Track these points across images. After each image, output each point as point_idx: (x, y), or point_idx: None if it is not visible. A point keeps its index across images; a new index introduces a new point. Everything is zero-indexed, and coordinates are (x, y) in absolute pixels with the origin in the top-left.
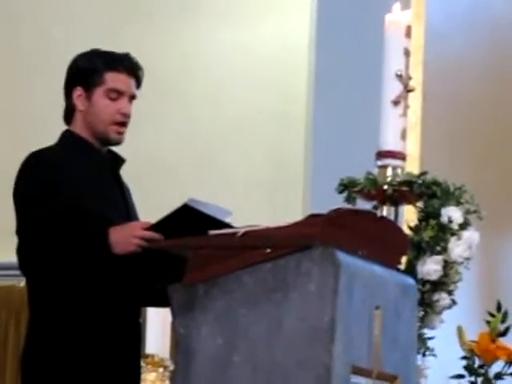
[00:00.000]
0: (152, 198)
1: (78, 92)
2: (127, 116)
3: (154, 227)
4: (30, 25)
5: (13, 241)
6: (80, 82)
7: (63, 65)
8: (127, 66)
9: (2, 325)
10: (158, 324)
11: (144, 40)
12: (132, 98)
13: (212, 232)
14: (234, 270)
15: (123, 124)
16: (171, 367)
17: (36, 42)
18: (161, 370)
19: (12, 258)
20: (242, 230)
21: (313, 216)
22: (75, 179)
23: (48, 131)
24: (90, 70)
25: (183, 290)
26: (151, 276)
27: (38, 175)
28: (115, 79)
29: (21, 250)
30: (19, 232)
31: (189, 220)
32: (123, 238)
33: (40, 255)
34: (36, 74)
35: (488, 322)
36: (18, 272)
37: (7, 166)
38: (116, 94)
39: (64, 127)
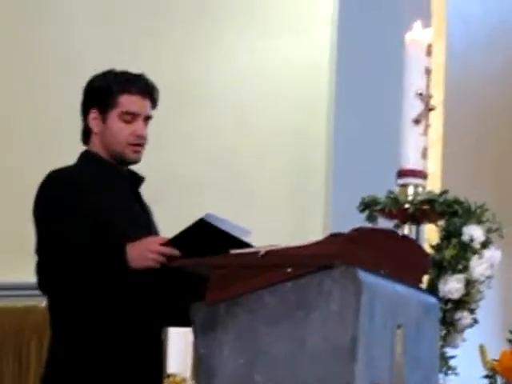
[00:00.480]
0: (173, 215)
1: (94, 115)
2: (142, 138)
3: (170, 242)
4: (48, 30)
5: (31, 262)
6: (95, 104)
7: (81, 70)
8: (141, 87)
9: (24, 345)
10: (179, 343)
11: (166, 55)
12: (147, 118)
13: (233, 251)
14: (256, 289)
15: (139, 145)
16: None
17: (55, 46)
18: None
19: (33, 278)
20: (264, 250)
21: (334, 235)
22: (96, 197)
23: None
24: (105, 92)
25: (205, 310)
26: (172, 294)
27: (59, 193)
28: (129, 102)
29: (40, 268)
30: (38, 250)
31: (205, 236)
32: (140, 253)
33: (59, 273)
34: (54, 75)
35: (510, 341)
36: (39, 292)
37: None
38: (130, 117)
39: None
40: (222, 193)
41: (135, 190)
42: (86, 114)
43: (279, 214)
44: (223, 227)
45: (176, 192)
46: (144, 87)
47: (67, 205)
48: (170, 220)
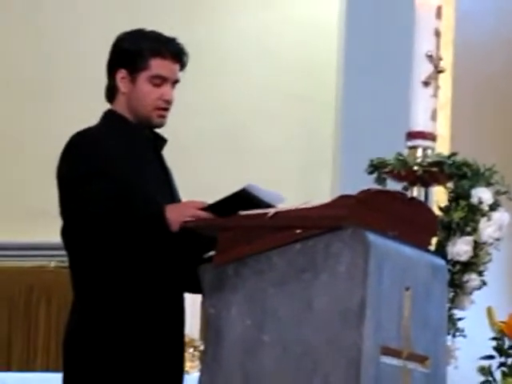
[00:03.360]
0: (185, 178)
1: (122, 74)
2: (170, 102)
3: (208, 208)
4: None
5: (42, 222)
6: (124, 64)
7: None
8: (173, 51)
9: (32, 305)
10: (188, 304)
11: (174, 20)
12: (175, 82)
13: (242, 212)
14: (264, 250)
15: (166, 109)
16: (201, 347)
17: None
18: (191, 350)
19: (43, 238)
20: (273, 211)
21: (343, 197)
22: (122, 159)
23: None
24: (136, 54)
25: (213, 271)
26: (189, 257)
27: (85, 155)
28: (160, 65)
29: (70, 232)
30: (68, 213)
31: (244, 204)
32: (178, 217)
33: (93, 236)
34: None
35: None
36: (48, 253)
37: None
38: (160, 81)
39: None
40: (228, 156)
41: (158, 152)
42: (113, 73)
43: (288, 176)
44: (261, 196)
45: (179, 156)
46: (176, 51)
47: (95, 166)
48: (188, 182)
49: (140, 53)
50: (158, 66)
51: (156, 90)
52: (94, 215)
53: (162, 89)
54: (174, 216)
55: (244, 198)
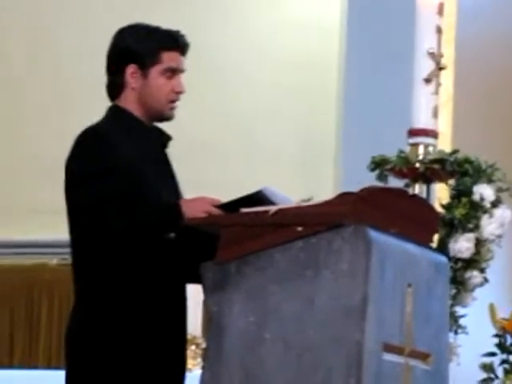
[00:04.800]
0: (181, 174)
1: (132, 69)
2: (181, 93)
3: (222, 206)
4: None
5: (44, 219)
6: (134, 60)
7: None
8: (181, 43)
9: (34, 302)
10: (189, 302)
11: (178, 17)
12: (182, 72)
13: (244, 210)
14: (266, 247)
15: (177, 101)
16: (203, 345)
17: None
18: (193, 347)
19: (44, 235)
20: (275, 208)
21: (344, 194)
22: (130, 156)
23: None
24: (145, 51)
25: (215, 268)
26: (192, 253)
27: (95, 152)
28: (171, 58)
29: (78, 228)
30: (76, 209)
31: (257, 206)
32: (191, 211)
33: (104, 233)
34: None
35: None
36: (49, 250)
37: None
38: (171, 73)
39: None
40: (230, 153)
41: (164, 148)
42: (119, 69)
43: (290, 174)
44: (276, 200)
45: (189, 151)
46: (183, 43)
47: (106, 162)
48: (188, 178)
49: (149, 49)
50: (169, 58)
51: (168, 83)
52: (105, 212)
53: (173, 81)
54: (189, 210)
55: (258, 200)
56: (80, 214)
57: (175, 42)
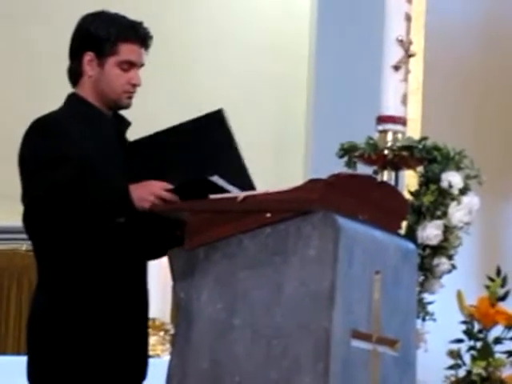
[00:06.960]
0: None
1: (89, 57)
2: (137, 86)
3: (173, 190)
4: None
5: (14, 205)
6: (92, 47)
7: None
8: (141, 36)
9: (4, 288)
10: (158, 288)
11: (148, 8)
12: (141, 66)
13: (212, 196)
14: (234, 234)
15: (133, 92)
16: (172, 331)
17: None
18: (161, 333)
19: (13, 222)
20: (242, 195)
21: (312, 181)
22: (82, 144)
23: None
24: (104, 38)
25: (184, 255)
26: (152, 239)
27: (47, 140)
28: (129, 51)
29: (31, 216)
30: (28, 197)
31: (208, 191)
32: (141, 195)
33: (56, 220)
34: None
35: (487, 287)
36: (19, 236)
37: (7, 129)
38: (128, 65)
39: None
40: None
41: (121, 135)
42: (78, 56)
43: (259, 160)
44: (227, 187)
45: None
46: (143, 36)
47: (57, 151)
48: None
49: (109, 38)
50: (126, 51)
51: (124, 75)
52: (57, 200)
53: (130, 73)
54: (139, 194)
55: (208, 185)
56: (33, 202)
57: (135, 34)
